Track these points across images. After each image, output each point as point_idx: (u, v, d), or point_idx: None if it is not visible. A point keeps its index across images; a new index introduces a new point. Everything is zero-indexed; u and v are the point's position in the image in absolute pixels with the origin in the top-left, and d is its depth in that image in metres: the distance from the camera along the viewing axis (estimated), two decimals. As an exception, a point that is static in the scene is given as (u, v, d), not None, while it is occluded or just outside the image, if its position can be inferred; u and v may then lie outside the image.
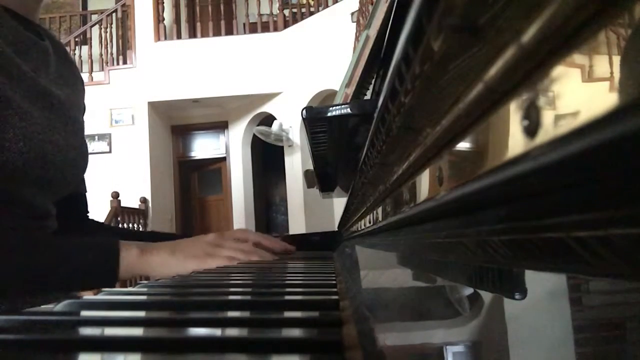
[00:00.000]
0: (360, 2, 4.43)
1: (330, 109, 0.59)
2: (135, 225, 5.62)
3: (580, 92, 0.09)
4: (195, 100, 6.35)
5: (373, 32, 0.62)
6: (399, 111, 0.26)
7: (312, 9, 6.12)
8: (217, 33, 6.29)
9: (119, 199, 5.27)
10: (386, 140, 0.32)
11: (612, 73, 0.08)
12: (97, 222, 1.06)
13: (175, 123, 6.99)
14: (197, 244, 0.82)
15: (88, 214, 1.03)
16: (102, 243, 0.78)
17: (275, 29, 6.29)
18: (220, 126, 7.06)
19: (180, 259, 0.78)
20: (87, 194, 1.00)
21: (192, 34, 6.54)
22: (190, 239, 0.84)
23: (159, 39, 6.28)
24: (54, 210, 0.84)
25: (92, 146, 5.87)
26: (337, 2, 5.60)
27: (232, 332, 0.27)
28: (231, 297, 0.39)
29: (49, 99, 0.78)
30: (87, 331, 0.27)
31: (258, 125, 6.25)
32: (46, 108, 0.77)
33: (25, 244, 0.73)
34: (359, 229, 0.64)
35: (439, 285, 0.25)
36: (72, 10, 7.79)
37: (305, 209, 5.91)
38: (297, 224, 5.96)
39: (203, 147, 7.28)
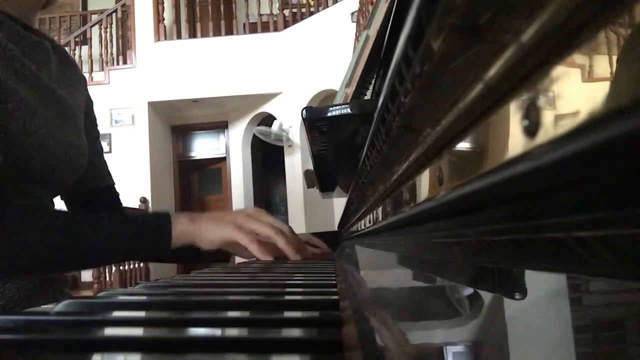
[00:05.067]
0: (360, 2, 4.43)
1: (330, 109, 0.59)
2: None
3: (580, 92, 0.09)
4: (195, 100, 6.35)
5: (373, 32, 0.62)
6: (399, 111, 0.26)
7: (312, 9, 6.11)
8: (217, 33, 6.29)
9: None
10: (386, 140, 0.32)
11: (612, 73, 0.08)
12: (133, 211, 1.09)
13: (175, 123, 6.98)
14: (235, 214, 0.86)
15: (122, 206, 1.05)
16: (154, 215, 0.82)
17: (275, 29, 6.28)
18: (220, 126, 7.05)
19: (220, 226, 0.82)
20: (115, 185, 1.02)
21: (192, 34, 6.54)
22: (233, 210, 0.90)
23: (159, 39, 6.27)
24: (53, 206, 0.85)
25: (92, 146, 5.87)
26: (337, 2, 5.60)
27: (232, 332, 0.27)
28: (231, 297, 0.39)
29: (52, 97, 0.79)
30: (87, 331, 0.27)
31: (258, 125, 6.25)
32: (49, 105, 0.78)
33: (82, 220, 0.76)
34: (359, 229, 0.64)
35: (439, 285, 0.25)
36: (72, 10, 7.78)
37: (305, 209, 5.91)
38: (297, 224, 5.95)
39: (203, 147, 7.28)
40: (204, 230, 0.81)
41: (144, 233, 0.77)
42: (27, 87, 0.74)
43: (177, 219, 0.80)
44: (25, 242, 0.68)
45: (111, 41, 6.35)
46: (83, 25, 6.89)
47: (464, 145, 0.17)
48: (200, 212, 0.88)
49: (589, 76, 0.09)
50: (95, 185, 0.95)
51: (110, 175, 1.01)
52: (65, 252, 0.72)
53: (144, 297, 0.39)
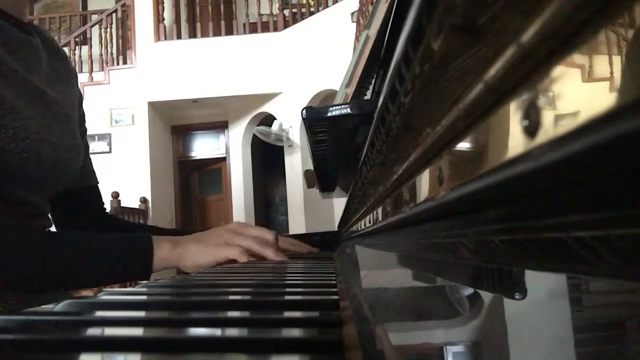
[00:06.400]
0: (360, 2, 4.43)
1: (330, 109, 0.59)
2: (135, 225, 5.62)
3: (580, 92, 0.09)
4: (195, 100, 6.35)
5: (373, 32, 0.62)
6: (399, 111, 0.26)
7: (312, 9, 6.11)
8: (217, 33, 6.29)
9: (119, 199, 5.26)
10: (386, 140, 0.32)
11: (612, 73, 0.08)
12: (115, 217, 1.07)
13: (175, 123, 6.99)
14: (219, 233, 0.84)
15: (104, 207, 1.03)
16: (136, 239, 0.80)
17: (275, 29, 6.29)
18: (220, 126, 7.06)
19: (208, 248, 0.80)
20: (99, 185, 1.01)
21: (192, 34, 6.54)
22: (215, 229, 0.87)
23: (159, 39, 6.27)
24: (49, 208, 0.84)
25: (92, 146, 5.80)
26: (337, 2, 5.60)
27: (232, 332, 0.27)
28: (231, 297, 0.39)
29: (43, 98, 0.77)
30: (87, 331, 0.27)
31: (258, 125, 6.25)
32: (40, 107, 0.76)
33: (63, 243, 0.74)
34: (359, 229, 0.64)
35: (439, 285, 0.25)
36: (72, 10, 7.79)
37: (305, 209, 5.91)
38: (297, 224, 5.96)
39: (203, 147, 7.28)
40: (190, 255, 0.79)
41: (125, 259, 0.76)
42: (15, 90, 0.72)
43: (159, 244, 0.78)
44: (2, 261, 0.67)
45: (111, 41, 6.35)
46: (83, 25, 6.89)
47: (464, 145, 0.17)
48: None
49: (589, 76, 0.09)
50: (79, 184, 0.92)
51: (95, 175, 0.99)
52: (41, 274, 0.70)
53: (144, 297, 0.39)
